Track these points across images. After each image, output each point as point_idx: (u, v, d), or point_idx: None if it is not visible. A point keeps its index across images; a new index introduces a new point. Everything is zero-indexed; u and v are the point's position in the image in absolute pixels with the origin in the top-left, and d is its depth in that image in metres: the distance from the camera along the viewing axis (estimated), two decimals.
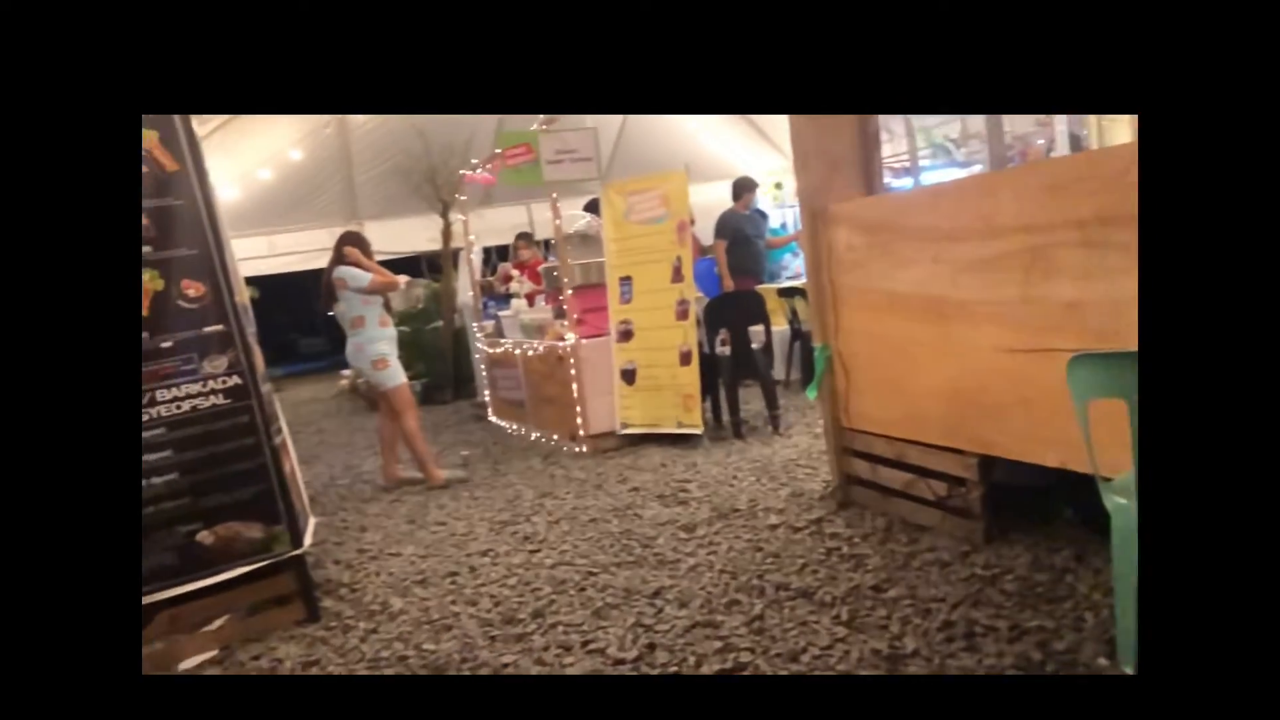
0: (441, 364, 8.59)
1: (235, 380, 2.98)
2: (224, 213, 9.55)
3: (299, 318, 17.86)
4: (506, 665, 2.51)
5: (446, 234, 8.62)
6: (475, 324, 7.20)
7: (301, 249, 10.19)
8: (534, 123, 5.33)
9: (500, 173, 5.70)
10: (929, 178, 7.04)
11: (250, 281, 11.68)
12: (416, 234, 10.16)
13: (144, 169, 2.83)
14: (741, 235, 6.65)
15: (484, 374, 6.95)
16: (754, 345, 5.20)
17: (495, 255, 9.40)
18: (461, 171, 6.88)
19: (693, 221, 7.49)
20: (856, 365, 3.42)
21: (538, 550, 3.53)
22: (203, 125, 7.77)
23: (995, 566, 2.69)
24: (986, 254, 2.68)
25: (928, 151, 7.34)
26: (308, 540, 3.22)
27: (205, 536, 2.92)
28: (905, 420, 3.17)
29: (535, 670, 2.45)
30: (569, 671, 2.42)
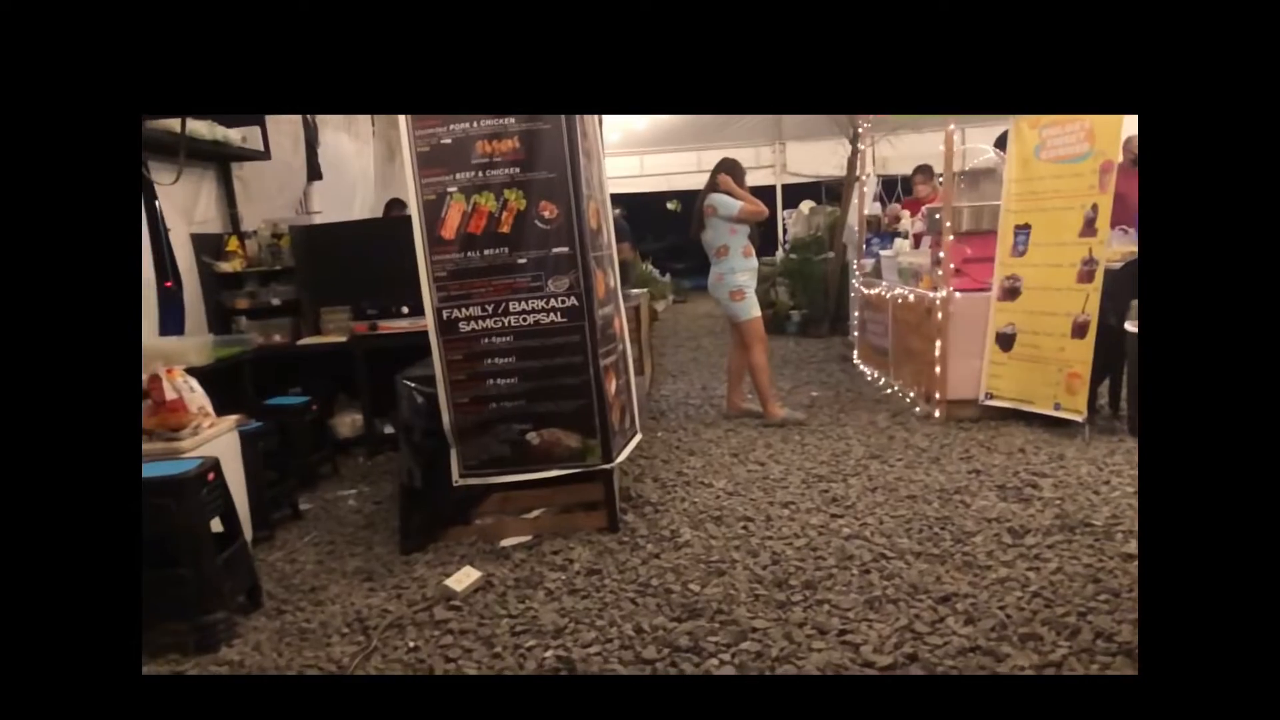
0: (824, 297, 8.42)
1: (573, 301, 3.23)
2: (655, 130, 10.24)
3: None
4: (755, 630, 2.43)
5: (851, 161, 8.29)
6: (856, 260, 6.87)
7: None
8: None
9: None
10: None
11: (674, 195, 12.60)
12: (827, 159, 9.95)
13: None
14: None
15: (856, 314, 6.65)
16: None
17: (901, 187, 8.79)
18: None
19: (1135, 161, 6.14)
20: None
21: (840, 515, 3.32)
22: None
23: None
24: None
25: None
26: (621, 456, 3.44)
27: (533, 437, 3.28)
28: None
29: (779, 644, 2.33)
30: (809, 659, 2.26)
